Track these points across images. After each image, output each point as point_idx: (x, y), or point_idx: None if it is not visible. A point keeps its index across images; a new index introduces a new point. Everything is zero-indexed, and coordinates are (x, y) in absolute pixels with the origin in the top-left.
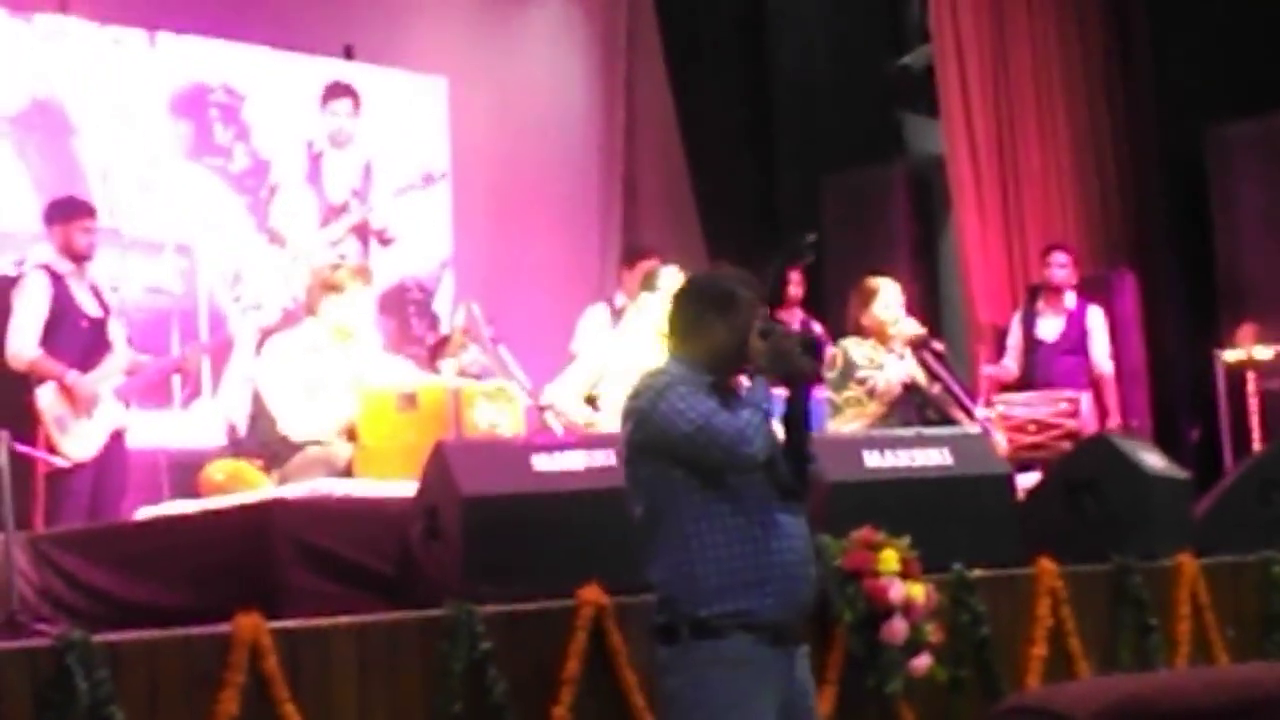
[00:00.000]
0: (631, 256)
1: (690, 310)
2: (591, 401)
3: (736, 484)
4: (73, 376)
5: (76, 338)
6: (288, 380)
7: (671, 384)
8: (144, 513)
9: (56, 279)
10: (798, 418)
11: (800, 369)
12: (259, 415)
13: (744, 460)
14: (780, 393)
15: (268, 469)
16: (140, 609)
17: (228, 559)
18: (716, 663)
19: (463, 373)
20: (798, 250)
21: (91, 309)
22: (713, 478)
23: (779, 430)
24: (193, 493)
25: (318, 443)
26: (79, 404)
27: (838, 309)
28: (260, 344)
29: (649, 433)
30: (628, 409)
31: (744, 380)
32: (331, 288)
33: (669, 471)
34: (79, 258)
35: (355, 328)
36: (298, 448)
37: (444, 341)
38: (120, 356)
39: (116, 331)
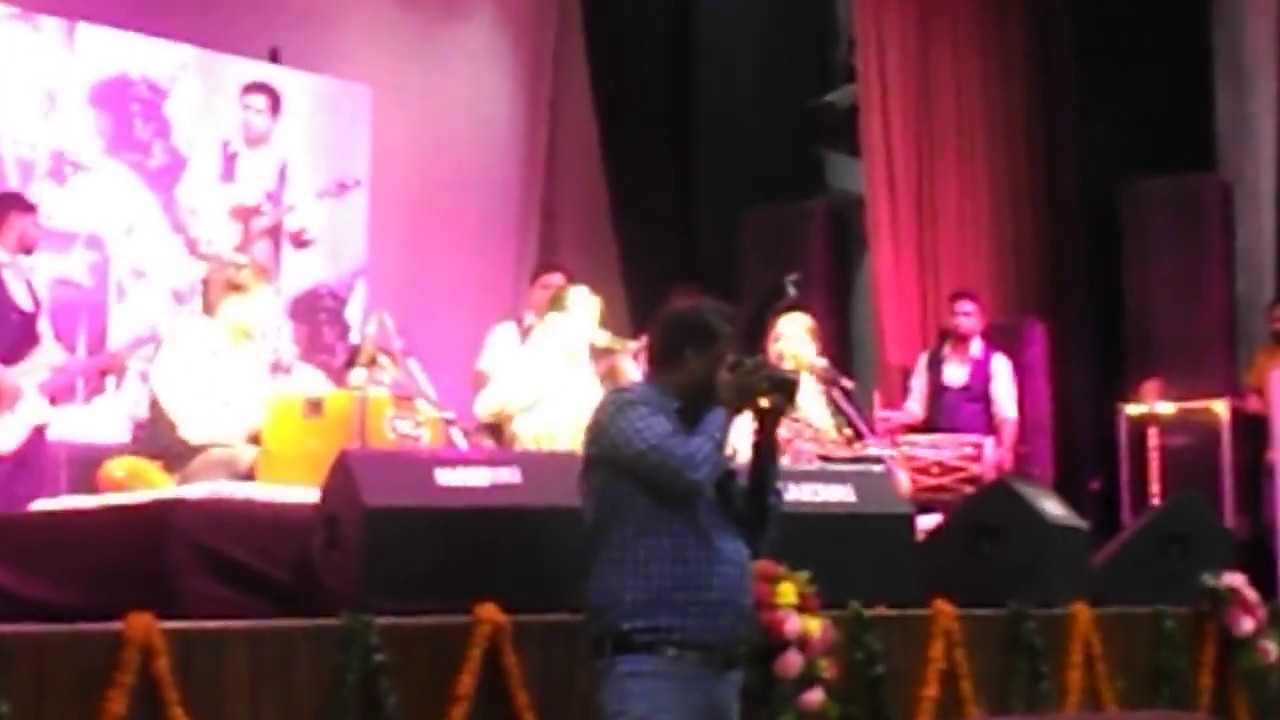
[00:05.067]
0: (535, 272)
1: (668, 340)
2: (498, 429)
3: (682, 506)
4: None
5: (5, 330)
6: (186, 383)
7: (634, 402)
8: (39, 506)
9: None
10: (761, 452)
11: (764, 404)
12: (157, 419)
13: (688, 485)
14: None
15: (169, 470)
16: (31, 604)
17: (123, 557)
18: (635, 676)
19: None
20: (780, 287)
21: (24, 302)
22: (659, 497)
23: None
24: (91, 488)
25: (220, 444)
26: (1, 397)
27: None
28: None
29: (603, 446)
30: (589, 421)
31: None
32: (235, 288)
33: (618, 486)
34: (29, 249)
35: (255, 328)
36: (199, 450)
37: (355, 351)
38: (48, 352)
39: (46, 327)
